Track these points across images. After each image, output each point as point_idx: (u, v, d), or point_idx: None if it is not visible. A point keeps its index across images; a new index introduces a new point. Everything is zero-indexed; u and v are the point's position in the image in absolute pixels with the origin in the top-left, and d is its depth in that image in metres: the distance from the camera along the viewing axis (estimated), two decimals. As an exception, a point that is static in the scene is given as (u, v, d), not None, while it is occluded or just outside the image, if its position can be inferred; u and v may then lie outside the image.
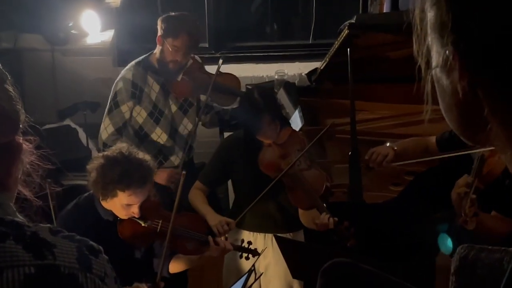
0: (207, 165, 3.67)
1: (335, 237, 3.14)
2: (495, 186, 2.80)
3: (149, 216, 3.05)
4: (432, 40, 0.82)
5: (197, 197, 3.57)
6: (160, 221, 3.11)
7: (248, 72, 5.25)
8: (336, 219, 3.12)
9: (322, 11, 5.65)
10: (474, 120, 0.80)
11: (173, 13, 3.91)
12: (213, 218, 3.43)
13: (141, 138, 3.97)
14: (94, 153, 4.51)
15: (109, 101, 3.90)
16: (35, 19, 5.01)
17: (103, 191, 2.92)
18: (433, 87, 0.85)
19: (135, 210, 2.98)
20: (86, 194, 3.10)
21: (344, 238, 3.14)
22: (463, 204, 2.67)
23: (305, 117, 4.20)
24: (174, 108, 4.02)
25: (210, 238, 3.22)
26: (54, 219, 3.24)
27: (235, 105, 4.10)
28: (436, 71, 0.83)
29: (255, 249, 3.37)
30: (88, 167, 2.95)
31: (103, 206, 3.01)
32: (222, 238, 3.31)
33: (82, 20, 5.08)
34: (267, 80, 5.04)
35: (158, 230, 3.10)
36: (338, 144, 4.05)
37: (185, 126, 4.09)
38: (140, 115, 3.92)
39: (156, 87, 3.95)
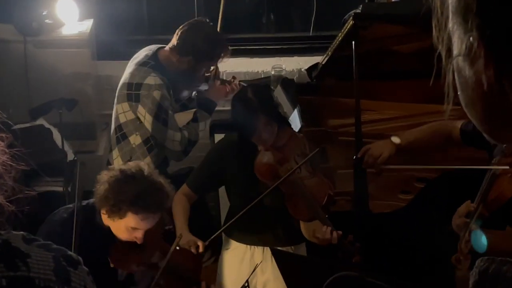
0: (196, 169, 3.66)
1: (339, 253, 3.12)
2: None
3: (148, 244, 3.04)
4: (454, 25, 0.81)
5: (179, 205, 3.52)
6: (157, 253, 3.11)
7: (242, 67, 5.24)
8: (340, 232, 3.09)
9: (323, 0, 5.64)
10: (499, 115, 0.79)
11: (195, 24, 3.97)
12: (183, 236, 3.31)
13: (150, 146, 3.98)
14: (70, 156, 4.49)
15: (154, 117, 3.87)
16: (5, 7, 4.98)
17: (112, 208, 2.90)
18: (454, 78, 0.83)
19: (139, 235, 2.97)
20: (85, 203, 3.07)
21: (349, 254, 3.12)
22: (460, 237, 2.67)
23: (305, 117, 4.20)
24: (174, 105, 4.08)
25: (203, 284, 3.19)
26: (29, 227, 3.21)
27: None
28: (458, 60, 0.81)
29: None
30: (99, 177, 2.93)
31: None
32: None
33: (57, 8, 5.04)
34: (262, 76, 5.03)
35: (151, 261, 3.10)
36: (341, 148, 4.05)
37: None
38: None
39: (170, 88, 3.97)
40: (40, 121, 4.70)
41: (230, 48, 4.06)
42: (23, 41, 4.96)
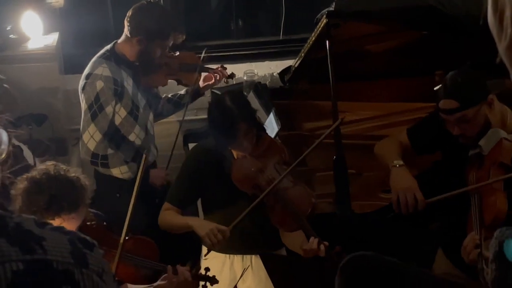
0: (174, 183, 3.56)
1: (326, 264, 3.07)
2: None
3: None
4: None
5: (171, 215, 3.44)
6: (104, 248, 3.03)
7: (213, 74, 5.23)
8: (326, 243, 3.03)
9: (292, 3, 5.66)
10: None
11: (143, 5, 3.98)
12: (202, 226, 3.24)
13: (118, 143, 3.97)
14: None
15: (88, 106, 3.87)
16: (-32, 24, 4.94)
17: None
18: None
19: None
20: None
21: (336, 265, 3.08)
22: (478, 269, 2.65)
23: (280, 121, 4.19)
24: (143, 102, 4.08)
25: (169, 267, 3.13)
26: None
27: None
28: None
29: (214, 276, 3.27)
30: (13, 192, 2.78)
31: None
32: (216, 248, 3.22)
33: (21, 23, 5.00)
34: (235, 83, 5.02)
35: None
36: (318, 150, 4.03)
37: (151, 121, 4.18)
38: (119, 114, 3.93)
39: (130, 81, 3.99)
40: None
41: (182, 26, 4.15)
42: (-13, 57, 4.91)
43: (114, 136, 3.96)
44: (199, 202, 3.79)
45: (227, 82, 4.52)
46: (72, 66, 5.19)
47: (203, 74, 4.39)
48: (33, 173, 2.82)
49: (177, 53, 4.30)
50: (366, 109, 4.44)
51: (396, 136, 3.52)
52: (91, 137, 3.88)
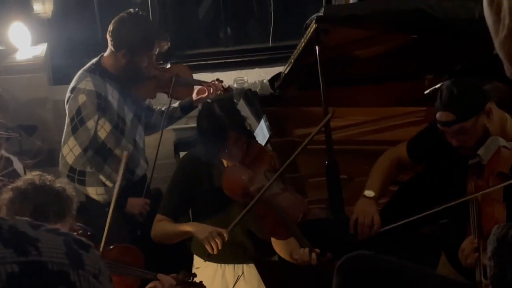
0: (166, 194, 3.53)
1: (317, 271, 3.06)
2: None
3: None
4: None
5: (165, 224, 3.40)
6: None
7: (203, 82, 5.23)
8: (317, 251, 3.02)
9: (280, 10, 5.68)
10: None
11: (123, 17, 3.92)
12: (201, 230, 3.22)
13: (104, 156, 3.94)
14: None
15: (70, 119, 3.85)
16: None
17: None
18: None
19: None
20: None
21: (327, 272, 3.06)
22: (476, 274, 2.65)
23: (271, 128, 4.19)
24: (130, 115, 4.04)
25: (159, 275, 3.11)
26: None
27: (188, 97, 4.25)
28: None
29: (201, 282, 3.25)
30: None
31: None
32: (215, 251, 3.18)
33: (9, 34, 5.00)
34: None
35: None
36: (310, 156, 4.04)
37: (140, 134, 4.13)
38: (104, 128, 3.89)
39: (116, 94, 3.95)
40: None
41: (166, 33, 4.08)
42: (-24, 69, 4.89)
43: (100, 150, 3.93)
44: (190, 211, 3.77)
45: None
46: (61, 76, 5.18)
47: (197, 87, 4.30)
48: (18, 183, 2.76)
49: (168, 66, 4.25)
50: (357, 114, 4.45)
51: (396, 150, 3.49)
52: (70, 151, 3.85)
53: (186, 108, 4.31)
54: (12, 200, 2.71)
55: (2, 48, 5.01)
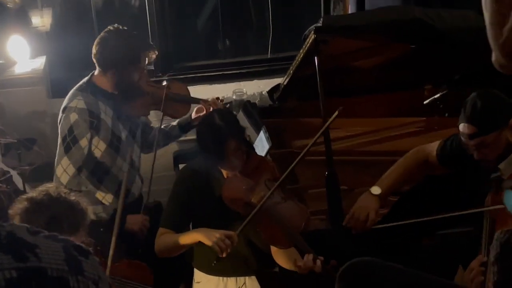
0: (167, 207, 3.52)
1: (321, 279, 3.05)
2: None
3: None
4: None
5: (169, 237, 3.36)
6: None
7: (202, 94, 5.19)
8: (321, 258, 3.03)
9: (279, 22, 5.69)
10: None
11: (103, 37, 3.88)
12: (209, 235, 3.18)
13: (100, 176, 3.90)
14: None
15: (62, 139, 3.80)
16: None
17: None
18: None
19: None
20: None
21: (332, 280, 3.05)
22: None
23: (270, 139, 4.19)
24: (125, 133, 3.99)
25: None
26: None
27: (187, 115, 4.20)
28: None
29: None
30: (11, 212, 2.73)
31: None
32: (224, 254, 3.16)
33: (8, 47, 5.01)
34: (224, 102, 5.03)
35: None
36: (309, 167, 4.04)
37: (136, 152, 4.07)
38: (98, 148, 3.85)
39: (110, 112, 3.91)
40: (-1, 165, 4.62)
41: (151, 43, 4.04)
42: (-26, 83, 4.90)
43: (95, 170, 3.89)
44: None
45: None
46: (60, 89, 5.16)
47: (196, 106, 4.22)
48: (33, 194, 2.80)
49: (164, 83, 4.16)
50: (356, 125, 4.45)
51: (426, 151, 3.46)
52: (64, 171, 3.80)
53: (184, 127, 4.25)
54: (27, 210, 2.73)
55: (1, 61, 5.01)
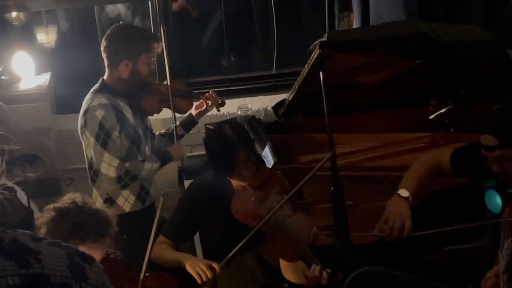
0: (171, 217, 3.55)
1: None
2: None
3: (110, 276, 2.94)
4: None
5: (163, 249, 3.39)
6: (126, 284, 3.01)
7: (207, 110, 5.23)
8: (328, 271, 3.03)
9: (283, 38, 5.70)
10: None
11: (112, 31, 3.94)
12: (192, 264, 3.19)
13: (122, 179, 3.85)
14: (37, 214, 4.40)
15: (95, 138, 3.79)
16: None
17: None
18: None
19: None
20: None
21: None
22: None
23: (276, 155, 4.18)
24: (141, 132, 4.01)
25: None
26: None
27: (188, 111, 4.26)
28: None
29: None
30: (37, 222, 2.85)
31: None
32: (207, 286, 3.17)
33: (13, 63, 5.02)
34: (228, 118, 5.03)
35: None
36: (315, 183, 4.03)
37: (146, 151, 4.05)
38: (124, 145, 3.86)
39: (128, 110, 3.92)
40: (2, 181, 4.61)
41: (157, 35, 4.14)
42: (-19, 100, 4.90)
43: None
44: (195, 238, 3.74)
45: (219, 110, 4.48)
46: (65, 106, 5.20)
47: (195, 103, 4.29)
48: (59, 203, 2.86)
49: (164, 82, 4.20)
50: (362, 140, 4.44)
51: (438, 155, 3.44)
52: (109, 165, 3.80)
53: (187, 125, 4.30)
54: (53, 219, 2.79)
55: (6, 78, 5.03)
